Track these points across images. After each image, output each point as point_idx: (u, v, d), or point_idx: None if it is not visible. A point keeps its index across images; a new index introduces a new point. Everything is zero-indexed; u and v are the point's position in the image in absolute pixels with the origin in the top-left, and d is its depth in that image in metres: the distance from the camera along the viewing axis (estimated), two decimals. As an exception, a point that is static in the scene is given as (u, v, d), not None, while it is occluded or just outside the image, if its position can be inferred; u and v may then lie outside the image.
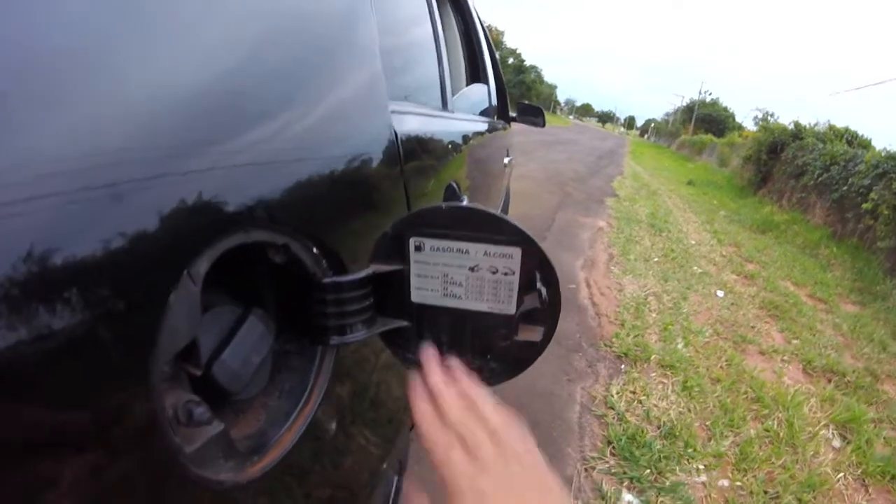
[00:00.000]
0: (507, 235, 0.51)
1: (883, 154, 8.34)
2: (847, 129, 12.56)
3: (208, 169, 0.42)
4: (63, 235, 0.31)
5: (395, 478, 1.20)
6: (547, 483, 0.48)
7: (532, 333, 0.54)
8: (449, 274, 0.54)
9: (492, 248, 0.52)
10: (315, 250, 0.56)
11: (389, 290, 0.57)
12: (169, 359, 0.41)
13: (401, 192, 0.81)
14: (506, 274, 0.52)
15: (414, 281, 0.56)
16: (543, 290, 0.52)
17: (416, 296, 0.56)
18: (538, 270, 0.52)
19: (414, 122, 0.97)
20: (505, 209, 4.32)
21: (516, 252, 0.51)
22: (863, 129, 12.62)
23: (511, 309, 0.54)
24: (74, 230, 0.32)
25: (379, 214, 0.72)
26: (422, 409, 0.53)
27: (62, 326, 0.31)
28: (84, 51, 0.35)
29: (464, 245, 0.52)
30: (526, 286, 0.53)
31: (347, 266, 0.60)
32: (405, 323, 0.58)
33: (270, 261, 0.53)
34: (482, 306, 0.54)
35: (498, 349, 0.56)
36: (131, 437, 0.37)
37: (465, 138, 1.56)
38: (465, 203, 0.56)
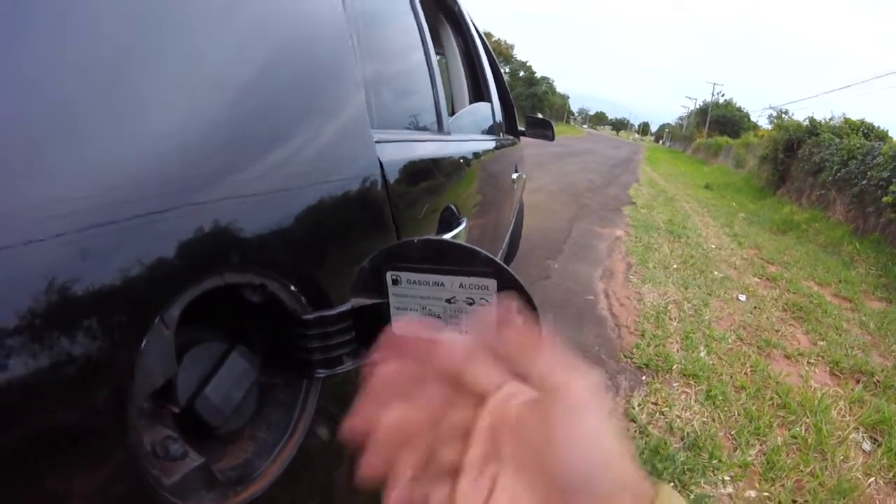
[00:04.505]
0: (481, 267, 0.50)
1: (901, 144, 8.22)
2: (863, 122, 12.41)
3: (182, 215, 0.44)
4: (41, 281, 0.33)
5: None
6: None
7: None
8: (427, 306, 0.54)
9: (467, 280, 0.51)
10: (293, 288, 0.57)
11: (372, 323, 0.57)
12: (145, 398, 0.43)
13: (388, 221, 0.80)
14: (482, 305, 0.52)
15: (394, 313, 0.55)
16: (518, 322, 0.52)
17: (397, 328, 0.56)
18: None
19: (401, 150, 0.97)
20: (518, 224, 4.31)
21: (491, 283, 0.50)
22: (879, 121, 12.46)
23: None
24: (55, 277, 0.34)
25: (364, 246, 0.72)
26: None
27: (43, 366, 0.33)
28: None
29: (439, 278, 0.52)
30: None
31: (333, 300, 0.60)
32: None
33: (249, 300, 0.54)
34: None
35: None
36: (111, 470, 0.39)
37: (465, 159, 1.56)
38: (441, 236, 0.55)
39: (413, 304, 0.54)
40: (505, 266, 0.50)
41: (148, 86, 0.43)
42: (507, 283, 0.51)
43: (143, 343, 0.41)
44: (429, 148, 1.20)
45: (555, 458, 0.30)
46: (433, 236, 0.56)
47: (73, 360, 0.35)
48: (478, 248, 0.50)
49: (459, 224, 1.21)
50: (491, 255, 0.50)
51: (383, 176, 0.80)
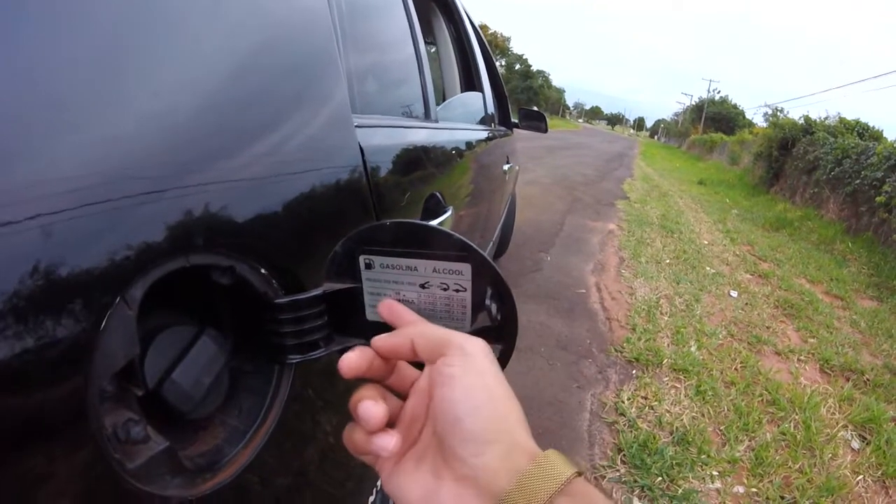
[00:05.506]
0: (455, 251, 0.49)
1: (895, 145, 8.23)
2: (858, 122, 12.45)
3: (147, 194, 0.42)
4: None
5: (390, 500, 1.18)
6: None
7: None
8: (401, 291, 0.52)
9: (441, 265, 0.49)
10: (263, 271, 0.55)
11: (345, 308, 0.55)
12: (107, 379, 0.42)
13: (369, 206, 0.78)
14: (457, 290, 0.50)
15: (367, 299, 0.54)
16: (493, 307, 0.50)
17: (371, 313, 0.54)
18: (490, 287, 0.49)
19: (384, 135, 0.95)
20: (510, 216, 4.30)
21: (465, 268, 0.49)
22: (874, 121, 12.52)
23: (466, 326, 0.51)
24: (11, 257, 0.33)
25: (342, 231, 0.70)
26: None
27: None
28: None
29: (412, 262, 0.50)
30: (480, 303, 0.50)
31: (306, 285, 0.58)
32: (363, 341, 0.56)
33: (218, 282, 0.53)
34: (437, 324, 0.52)
35: None
36: (71, 452, 0.38)
37: (452, 147, 1.54)
38: (417, 220, 0.53)
39: (387, 288, 0.53)
40: (479, 250, 0.48)
41: (118, 74, 0.42)
42: (482, 268, 0.49)
43: (104, 323, 0.39)
44: (414, 135, 1.18)
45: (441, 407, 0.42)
46: (406, 219, 0.54)
47: (30, 339, 0.34)
48: (451, 231, 0.49)
49: (445, 212, 1.19)
50: (465, 239, 0.48)
51: (364, 161, 0.78)
